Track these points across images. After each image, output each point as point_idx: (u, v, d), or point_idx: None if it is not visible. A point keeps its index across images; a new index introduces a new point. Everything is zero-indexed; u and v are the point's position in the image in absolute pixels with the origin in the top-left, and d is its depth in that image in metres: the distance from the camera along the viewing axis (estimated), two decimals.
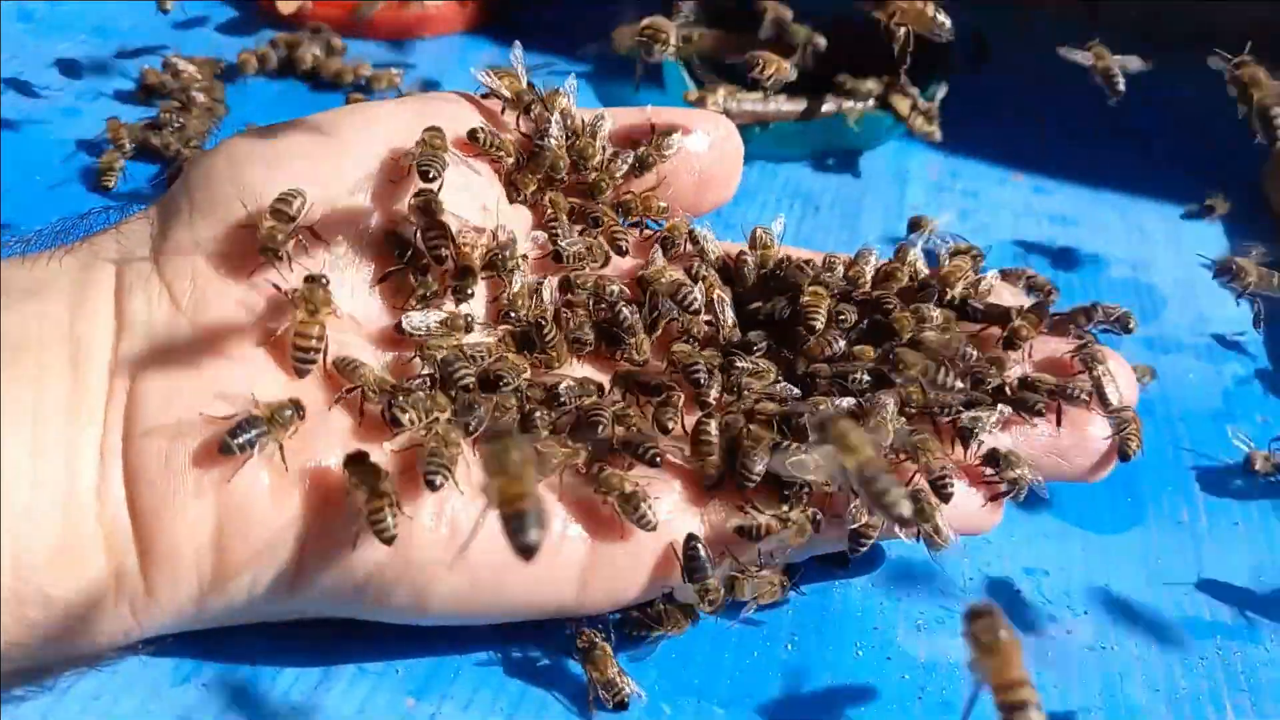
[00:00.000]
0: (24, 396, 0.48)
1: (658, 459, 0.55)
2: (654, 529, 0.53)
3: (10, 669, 0.49)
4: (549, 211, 0.64)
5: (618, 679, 0.53)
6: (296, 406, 0.51)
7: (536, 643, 0.57)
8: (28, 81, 1.02)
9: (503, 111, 0.64)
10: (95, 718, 0.52)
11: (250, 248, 0.53)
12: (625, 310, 0.61)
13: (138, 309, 0.52)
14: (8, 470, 0.46)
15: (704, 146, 0.68)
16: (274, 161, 0.56)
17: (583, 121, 0.65)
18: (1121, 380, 0.62)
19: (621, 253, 0.64)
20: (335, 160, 0.57)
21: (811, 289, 0.63)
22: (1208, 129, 1.12)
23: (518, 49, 0.66)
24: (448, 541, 0.51)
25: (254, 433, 0.49)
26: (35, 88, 1.01)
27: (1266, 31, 0.92)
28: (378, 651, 0.55)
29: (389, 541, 0.49)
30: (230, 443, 0.48)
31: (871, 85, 1.00)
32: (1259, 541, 0.68)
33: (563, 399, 0.57)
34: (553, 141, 0.63)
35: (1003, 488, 0.59)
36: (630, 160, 0.65)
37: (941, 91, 1.02)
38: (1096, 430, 0.61)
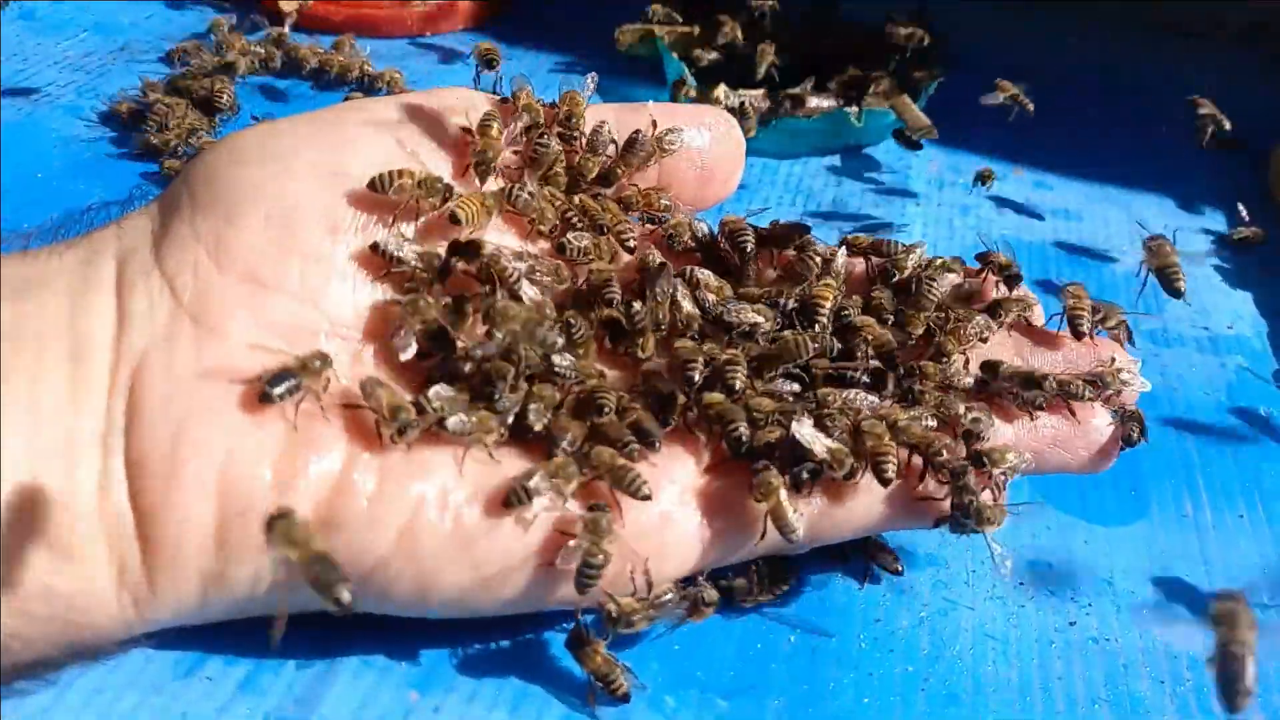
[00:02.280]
0: (24, 390, 0.48)
1: (634, 455, 0.55)
2: (649, 497, 0.52)
3: (12, 662, 0.48)
4: (561, 207, 0.63)
5: (611, 671, 0.53)
6: (323, 357, 0.51)
7: (541, 635, 0.57)
8: (29, 79, 1.02)
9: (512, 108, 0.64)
10: (97, 712, 0.51)
11: (251, 243, 0.53)
12: (636, 305, 0.61)
13: (139, 303, 0.52)
14: (7, 463, 0.46)
15: (706, 142, 0.67)
16: (275, 157, 0.56)
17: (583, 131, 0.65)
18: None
19: (630, 250, 0.64)
20: (337, 156, 0.57)
21: (823, 283, 0.63)
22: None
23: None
24: (451, 534, 0.51)
25: (291, 381, 0.50)
26: (36, 86, 1.02)
27: (1271, 24, 0.92)
28: (381, 644, 0.55)
29: (402, 432, 0.51)
30: (270, 391, 0.49)
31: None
32: (1263, 534, 0.68)
33: (560, 373, 0.56)
34: (555, 144, 0.63)
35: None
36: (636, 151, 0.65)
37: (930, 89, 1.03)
38: (1099, 421, 0.61)
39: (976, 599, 0.62)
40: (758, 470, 0.55)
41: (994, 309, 0.64)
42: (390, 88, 1.05)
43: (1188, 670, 0.59)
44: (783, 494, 0.54)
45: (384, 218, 0.56)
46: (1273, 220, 0.98)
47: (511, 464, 0.54)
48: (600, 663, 0.53)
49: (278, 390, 0.49)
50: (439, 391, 0.53)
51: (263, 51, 1.05)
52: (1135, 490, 0.70)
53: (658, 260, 0.62)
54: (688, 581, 0.56)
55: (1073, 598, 0.62)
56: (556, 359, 0.56)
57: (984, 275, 0.66)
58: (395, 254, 0.56)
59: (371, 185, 0.55)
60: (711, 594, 0.55)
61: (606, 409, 0.55)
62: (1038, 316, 0.66)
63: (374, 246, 0.55)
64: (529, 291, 0.58)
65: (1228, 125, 0.92)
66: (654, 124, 0.66)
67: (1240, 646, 0.47)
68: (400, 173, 0.56)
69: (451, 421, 0.52)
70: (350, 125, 0.59)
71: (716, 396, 0.57)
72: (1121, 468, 0.63)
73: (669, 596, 0.54)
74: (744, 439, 0.56)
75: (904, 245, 0.66)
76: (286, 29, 1.09)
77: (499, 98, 0.64)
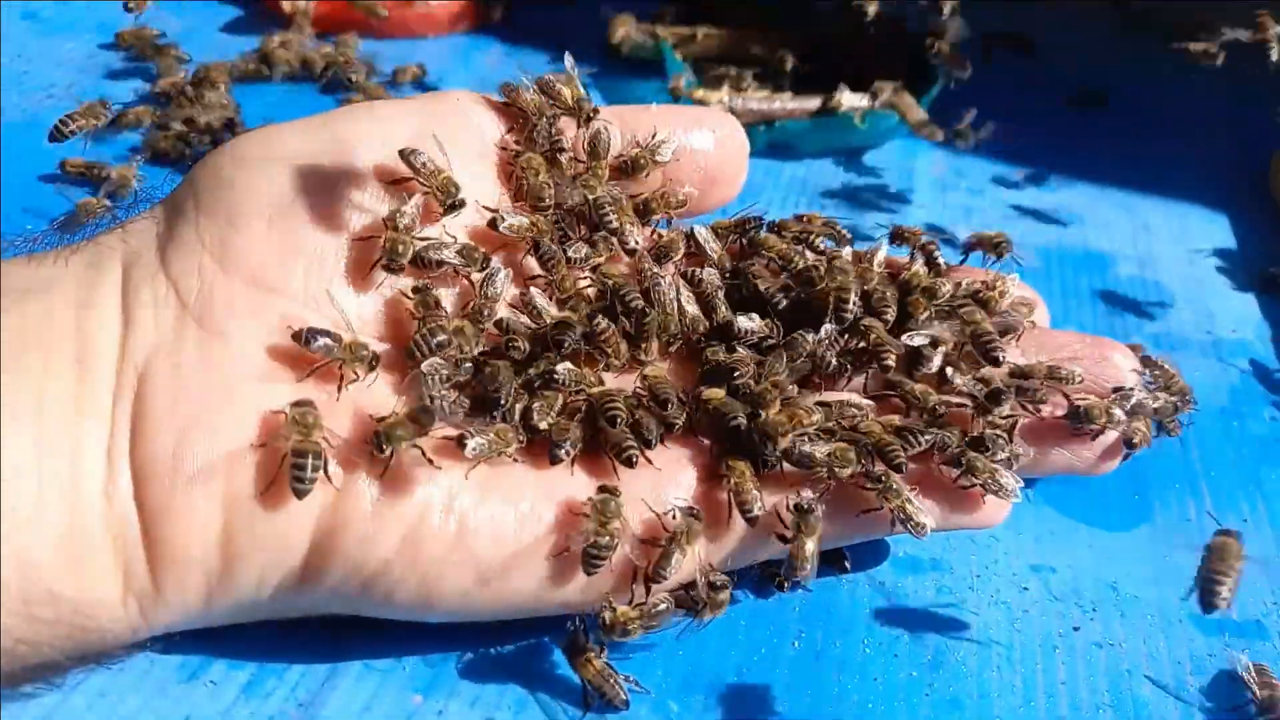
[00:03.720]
0: (29, 394, 0.48)
1: (634, 460, 0.55)
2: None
3: (18, 666, 0.48)
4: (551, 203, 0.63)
5: (605, 682, 0.53)
6: (374, 356, 0.53)
7: (544, 640, 0.57)
8: (32, 81, 1.02)
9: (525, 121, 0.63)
10: (102, 715, 0.51)
11: (254, 246, 0.53)
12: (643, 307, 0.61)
13: (144, 307, 0.52)
14: (13, 468, 0.46)
15: (709, 144, 0.67)
16: (278, 161, 0.56)
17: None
18: (1127, 374, 0.62)
19: (631, 253, 0.64)
20: (339, 159, 0.57)
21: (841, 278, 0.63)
22: (1213, 125, 1.12)
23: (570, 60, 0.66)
24: (455, 539, 0.51)
25: (331, 340, 0.51)
26: (40, 87, 1.02)
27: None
28: (384, 648, 0.55)
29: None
30: (304, 332, 0.51)
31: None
32: (1267, 538, 0.68)
33: (559, 379, 0.57)
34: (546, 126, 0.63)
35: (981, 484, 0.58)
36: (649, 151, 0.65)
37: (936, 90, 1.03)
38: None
39: (980, 604, 0.62)
40: (728, 449, 0.56)
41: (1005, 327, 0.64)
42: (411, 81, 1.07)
43: (1191, 675, 0.59)
44: (748, 474, 0.55)
45: (388, 219, 0.56)
46: (1274, 224, 0.98)
47: (521, 468, 0.54)
48: (594, 673, 0.53)
49: (318, 344, 0.51)
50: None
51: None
52: (1138, 495, 0.70)
53: (653, 269, 0.63)
54: (689, 586, 0.56)
55: (1076, 603, 0.62)
56: (557, 367, 0.57)
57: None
58: (435, 258, 0.56)
59: (402, 155, 0.56)
60: (721, 578, 0.55)
61: (619, 419, 0.56)
62: (1042, 316, 0.67)
63: (415, 260, 0.56)
64: (541, 302, 0.59)
65: None
66: (653, 133, 0.65)
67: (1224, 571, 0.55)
68: (429, 156, 0.57)
69: (470, 446, 0.52)
70: (351, 129, 0.59)
71: (716, 392, 0.58)
72: (1124, 472, 0.63)
73: (663, 607, 0.54)
74: (743, 429, 0.56)
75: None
76: (300, 34, 1.09)
77: (497, 100, 0.64)
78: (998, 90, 1.10)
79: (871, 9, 0.98)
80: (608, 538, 0.52)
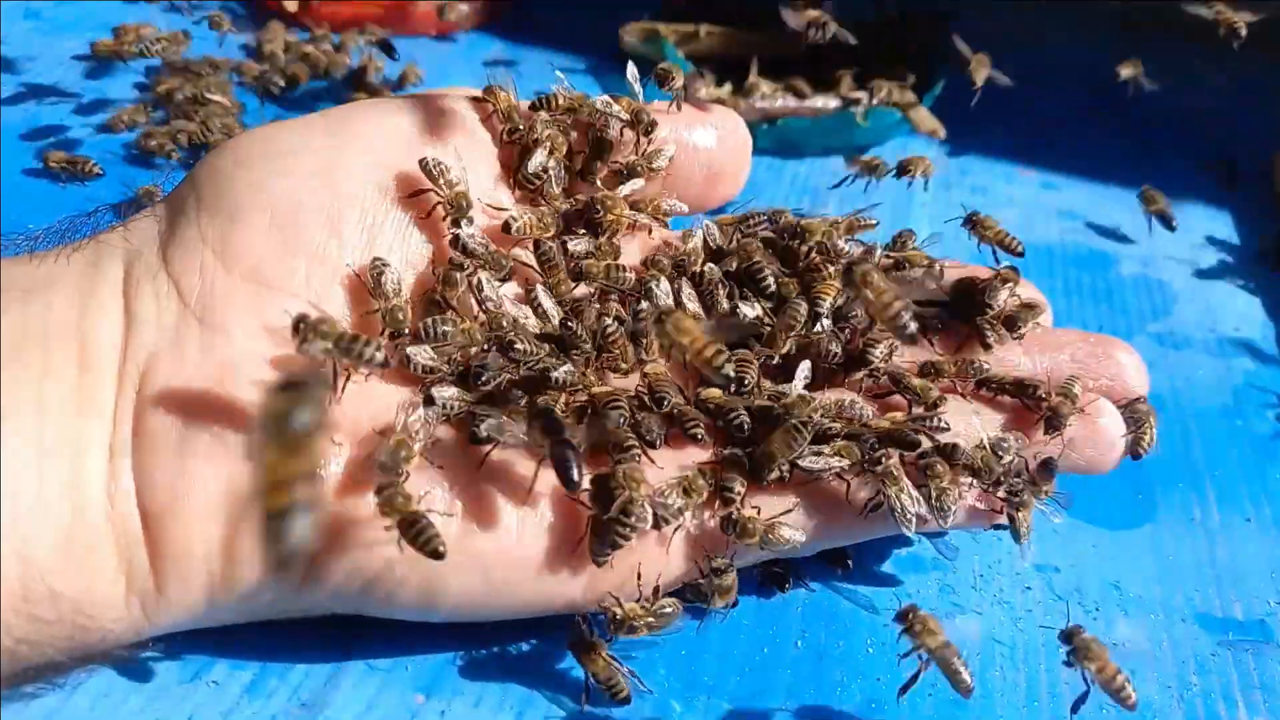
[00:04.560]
0: (30, 393, 0.48)
1: (637, 456, 0.55)
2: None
3: (19, 666, 0.48)
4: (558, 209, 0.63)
5: (613, 675, 0.53)
6: (366, 343, 0.51)
7: (547, 639, 0.57)
8: (34, 80, 1.02)
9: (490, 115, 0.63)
10: (103, 715, 0.51)
11: (255, 244, 0.53)
12: (644, 305, 0.61)
13: (146, 305, 0.52)
14: (14, 467, 0.46)
15: (712, 141, 0.67)
16: (280, 158, 0.56)
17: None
18: (1131, 373, 0.62)
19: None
20: (340, 156, 0.57)
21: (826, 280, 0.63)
22: (1217, 123, 1.12)
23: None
24: (458, 538, 0.51)
25: (326, 344, 0.50)
26: (41, 87, 1.02)
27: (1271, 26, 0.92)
28: (387, 648, 0.55)
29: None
30: (295, 320, 0.50)
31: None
32: (1271, 537, 0.68)
33: (559, 380, 0.56)
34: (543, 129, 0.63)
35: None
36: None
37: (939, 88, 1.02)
38: (1108, 420, 0.60)
39: (983, 604, 0.62)
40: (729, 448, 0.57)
41: (1011, 321, 0.64)
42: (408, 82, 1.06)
43: (1195, 674, 0.59)
44: (737, 473, 0.55)
45: (389, 217, 0.56)
46: (1276, 223, 0.97)
47: (526, 465, 0.54)
48: (602, 666, 0.53)
49: (306, 346, 0.50)
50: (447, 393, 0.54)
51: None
52: (1142, 494, 0.70)
53: (656, 268, 0.63)
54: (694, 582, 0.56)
55: (1080, 602, 0.62)
56: (555, 370, 0.57)
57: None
58: (469, 245, 0.57)
59: (423, 166, 0.57)
60: (722, 561, 0.54)
61: (622, 418, 0.56)
62: (1047, 320, 0.66)
63: (455, 240, 0.57)
64: (548, 304, 0.59)
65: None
66: (648, 140, 0.65)
67: None
68: (447, 168, 0.57)
69: (483, 427, 0.52)
70: (354, 125, 0.59)
71: (714, 391, 0.58)
72: (1128, 471, 0.63)
73: (669, 610, 0.54)
74: (746, 426, 0.56)
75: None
76: (311, 36, 1.09)
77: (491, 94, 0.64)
78: (1000, 88, 1.10)
79: None
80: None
